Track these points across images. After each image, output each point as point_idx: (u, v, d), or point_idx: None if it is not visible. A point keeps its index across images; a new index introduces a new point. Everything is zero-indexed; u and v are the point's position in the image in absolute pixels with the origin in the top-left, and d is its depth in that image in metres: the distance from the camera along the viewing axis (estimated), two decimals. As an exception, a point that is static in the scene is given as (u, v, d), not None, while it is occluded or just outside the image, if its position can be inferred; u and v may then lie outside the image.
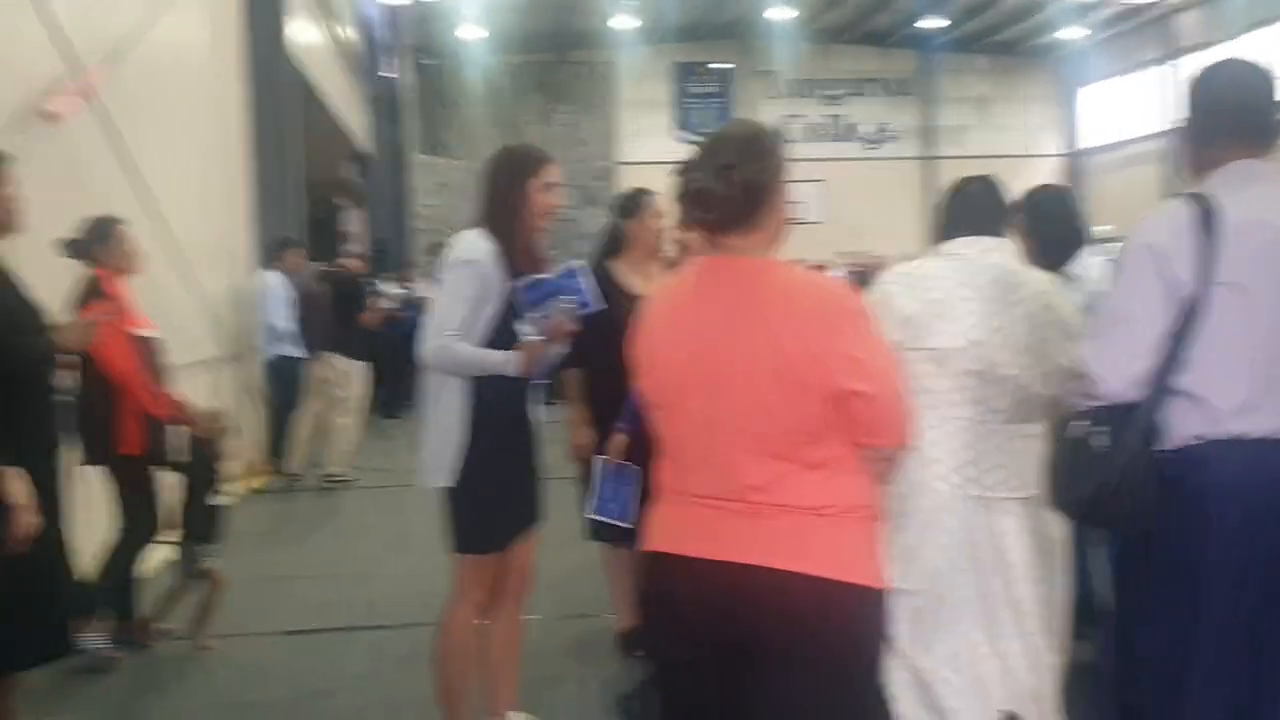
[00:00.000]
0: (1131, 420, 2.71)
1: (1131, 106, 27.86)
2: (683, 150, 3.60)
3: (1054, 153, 29.84)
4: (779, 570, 2.31)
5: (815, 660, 2.32)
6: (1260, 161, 2.79)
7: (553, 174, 3.85)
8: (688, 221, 2.51)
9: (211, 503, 5.30)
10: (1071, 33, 27.16)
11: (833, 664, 2.34)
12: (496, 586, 3.90)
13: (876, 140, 28.45)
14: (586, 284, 3.86)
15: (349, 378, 9.95)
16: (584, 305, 3.82)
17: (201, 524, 5.29)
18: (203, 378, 9.12)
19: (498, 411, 3.74)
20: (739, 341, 2.38)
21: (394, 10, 20.65)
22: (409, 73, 23.08)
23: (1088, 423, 2.79)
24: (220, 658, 5.32)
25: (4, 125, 5.39)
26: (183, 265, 7.84)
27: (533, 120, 25.17)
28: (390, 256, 17.96)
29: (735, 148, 2.46)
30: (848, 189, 26.06)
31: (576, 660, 5.13)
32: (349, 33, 16.33)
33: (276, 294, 9.78)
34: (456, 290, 3.70)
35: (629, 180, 25.73)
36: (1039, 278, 3.33)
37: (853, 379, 2.33)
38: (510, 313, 3.74)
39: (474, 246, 3.75)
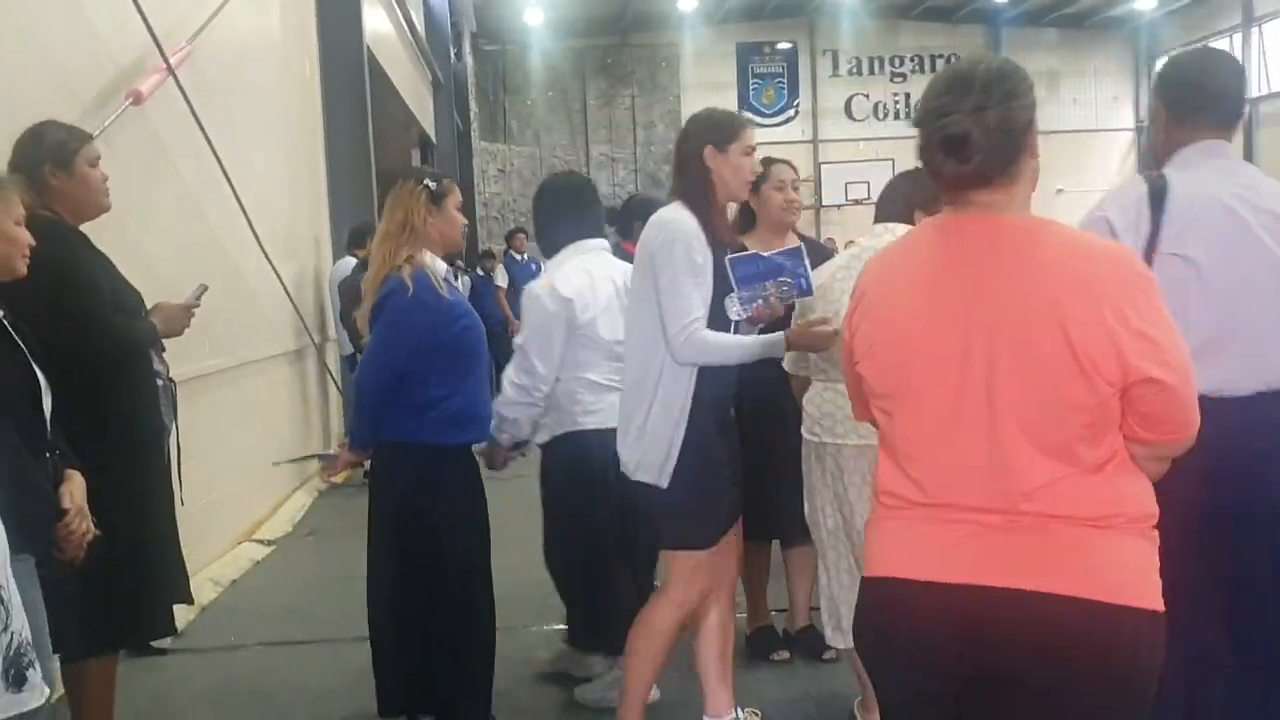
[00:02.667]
0: None
1: (1207, 77, 27.16)
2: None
3: (1126, 127, 29.21)
4: (1054, 595, 1.97)
5: (1091, 697, 1.99)
6: (1223, 142, 2.97)
7: (750, 139, 3.64)
8: (938, 175, 2.12)
9: None
10: (1144, 3, 26.51)
11: (1110, 701, 2.01)
12: (711, 583, 3.73)
13: (944, 117, 27.84)
14: (805, 267, 3.65)
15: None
16: (802, 289, 3.62)
17: None
18: (284, 370, 8.99)
19: (714, 404, 3.59)
20: (1007, 318, 2.01)
21: (456, -4, 20.48)
22: (471, 59, 22.93)
23: None
24: (307, 666, 5.13)
25: (91, 107, 5.21)
26: (264, 253, 7.66)
27: (596, 104, 24.96)
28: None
29: (989, 84, 2.06)
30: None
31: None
32: (413, 18, 16.15)
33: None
34: (685, 271, 3.47)
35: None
36: None
37: (1150, 363, 1.97)
38: (717, 291, 3.54)
39: (683, 223, 3.52)
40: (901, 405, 2.13)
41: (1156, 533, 2.07)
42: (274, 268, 7.90)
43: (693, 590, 3.68)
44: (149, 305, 3.86)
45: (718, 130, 3.61)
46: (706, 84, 26.34)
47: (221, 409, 6.90)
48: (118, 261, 3.75)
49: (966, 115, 2.03)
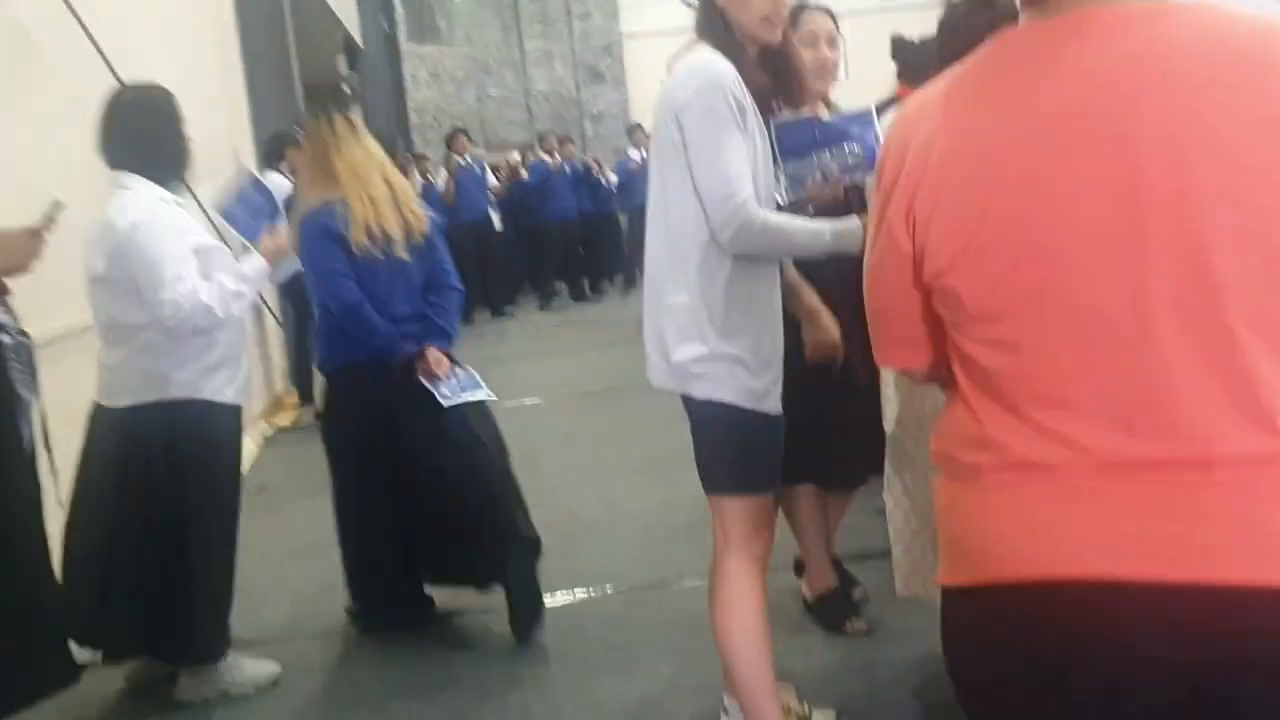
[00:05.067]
0: None
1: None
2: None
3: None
4: None
5: None
6: None
7: None
8: None
9: None
10: None
11: None
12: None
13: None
14: (878, 133, 2.82)
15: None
16: (873, 163, 2.64)
17: None
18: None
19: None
20: (1206, 154, 1.23)
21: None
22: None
23: None
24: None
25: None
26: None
27: (529, -4, 23.55)
28: (391, 152, 16.56)
29: None
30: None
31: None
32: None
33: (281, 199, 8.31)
34: (730, 129, 2.55)
35: (636, 53, 24.29)
36: None
37: None
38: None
39: (718, 65, 2.61)
40: (1035, 325, 1.34)
41: None
42: (187, 186, 6.76)
43: (760, 539, 2.93)
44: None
45: None
46: (644, -35, 24.90)
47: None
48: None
49: None
